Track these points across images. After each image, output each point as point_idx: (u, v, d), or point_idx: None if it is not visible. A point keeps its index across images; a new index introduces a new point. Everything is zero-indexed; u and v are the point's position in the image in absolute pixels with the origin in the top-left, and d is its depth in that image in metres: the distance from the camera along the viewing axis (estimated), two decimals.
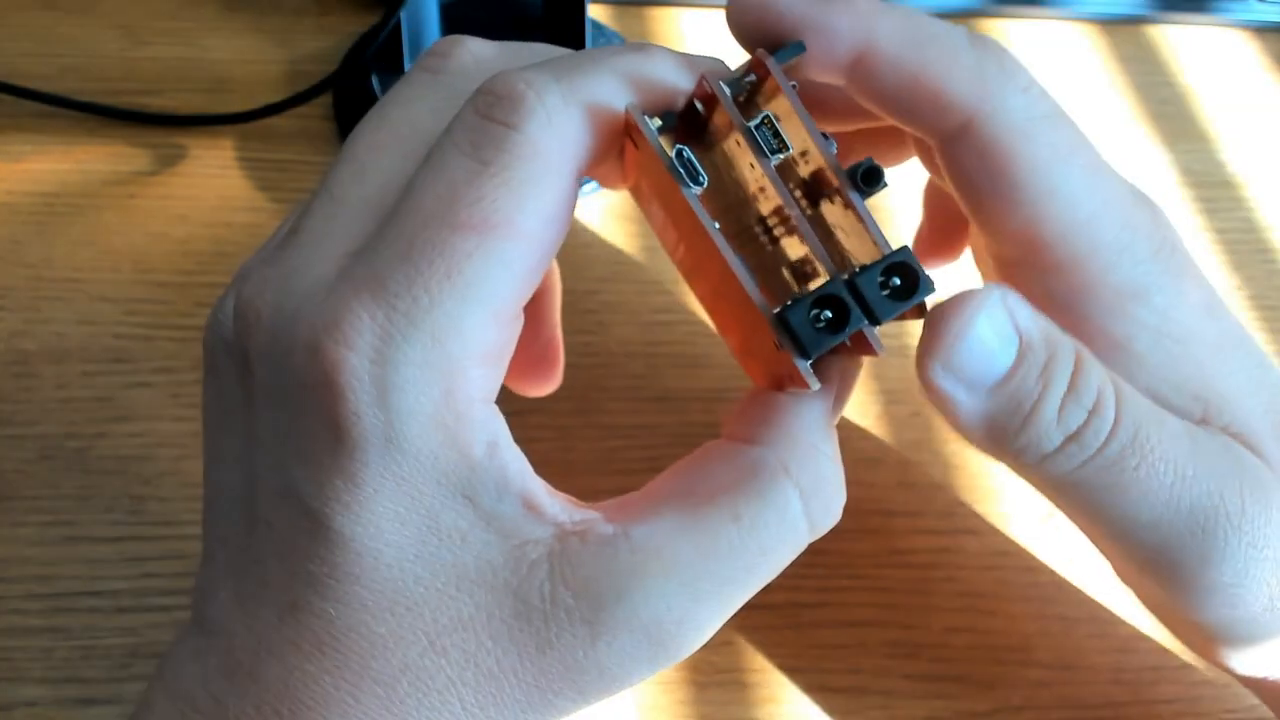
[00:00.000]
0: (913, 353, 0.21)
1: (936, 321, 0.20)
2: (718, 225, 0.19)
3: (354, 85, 0.38)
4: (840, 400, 0.22)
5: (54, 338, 0.32)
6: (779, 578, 0.29)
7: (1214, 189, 0.41)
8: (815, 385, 0.20)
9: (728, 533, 0.20)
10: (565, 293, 0.35)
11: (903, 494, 0.31)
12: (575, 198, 0.20)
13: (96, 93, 0.38)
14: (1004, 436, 0.21)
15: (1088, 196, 0.22)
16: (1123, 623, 0.29)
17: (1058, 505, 0.23)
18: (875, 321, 0.19)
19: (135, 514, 0.29)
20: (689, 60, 0.22)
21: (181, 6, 0.42)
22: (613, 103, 0.20)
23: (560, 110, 0.19)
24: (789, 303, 0.19)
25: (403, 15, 0.37)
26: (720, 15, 0.46)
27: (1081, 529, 0.24)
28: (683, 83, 0.21)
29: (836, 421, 0.22)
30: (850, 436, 0.32)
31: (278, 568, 0.19)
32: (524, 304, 0.20)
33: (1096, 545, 0.24)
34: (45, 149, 0.37)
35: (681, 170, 0.19)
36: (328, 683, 0.19)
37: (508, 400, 0.28)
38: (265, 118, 0.38)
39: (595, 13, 0.44)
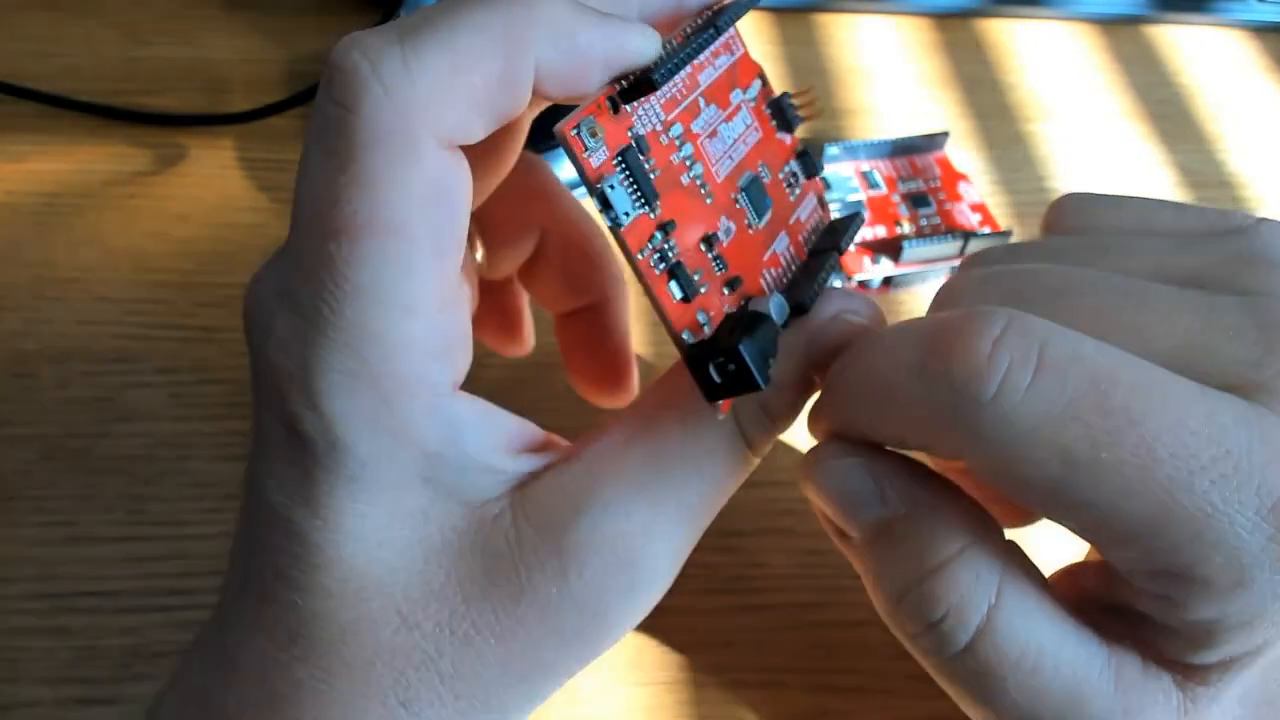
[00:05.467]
0: None
1: (803, 466, 0.21)
2: (645, 255, 0.19)
3: None
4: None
5: (54, 338, 0.32)
6: (779, 578, 0.29)
7: (1214, 189, 0.41)
8: (719, 415, 0.20)
9: (674, 435, 0.20)
10: None
11: None
12: (451, 169, 0.18)
13: (96, 93, 0.38)
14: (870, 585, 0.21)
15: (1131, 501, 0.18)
16: None
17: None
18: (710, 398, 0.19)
19: (136, 514, 0.29)
20: (592, 13, 0.19)
21: (181, 6, 0.42)
22: (479, 54, 0.18)
23: (400, 78, 0.17)
24: (704, 340, 0.19)
25: (402, 15, 0.37)
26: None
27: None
28: (583, 32, 0.18)
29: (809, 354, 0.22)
30: None
31: (256, 562, 0.19)
32: (445, 288, 0.19)
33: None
34: (45, 149, 0.37)
35: (599, 203, 0.19)
36: (300, 671, 0.19)
37: (511, 400, 0.28)
38: (265, 118, 0.38)
39: None
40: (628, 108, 0.20)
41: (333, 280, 0.18)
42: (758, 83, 0.24)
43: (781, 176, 0.23)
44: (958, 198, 0.38)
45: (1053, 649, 0.19)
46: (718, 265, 0.21)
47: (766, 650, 0.28)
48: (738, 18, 0.22)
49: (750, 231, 0.22)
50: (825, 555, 0.30)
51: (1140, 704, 0.19)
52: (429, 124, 0.17)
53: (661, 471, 0.20)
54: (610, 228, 0.19)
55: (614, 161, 0.19)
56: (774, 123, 0.24)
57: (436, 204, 0.18)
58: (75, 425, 0.30)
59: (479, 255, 0.26)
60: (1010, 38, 0.46)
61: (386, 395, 0.18)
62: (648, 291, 0.19)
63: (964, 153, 0.41)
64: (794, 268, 0.23)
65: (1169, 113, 0.43)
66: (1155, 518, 0.17)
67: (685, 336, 0.19)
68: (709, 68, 0.23)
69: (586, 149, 0.18)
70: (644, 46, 0.19)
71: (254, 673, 0.19)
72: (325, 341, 0.18)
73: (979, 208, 0.38)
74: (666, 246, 0.20)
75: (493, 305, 0.28)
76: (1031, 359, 0.18)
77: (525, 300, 0.28)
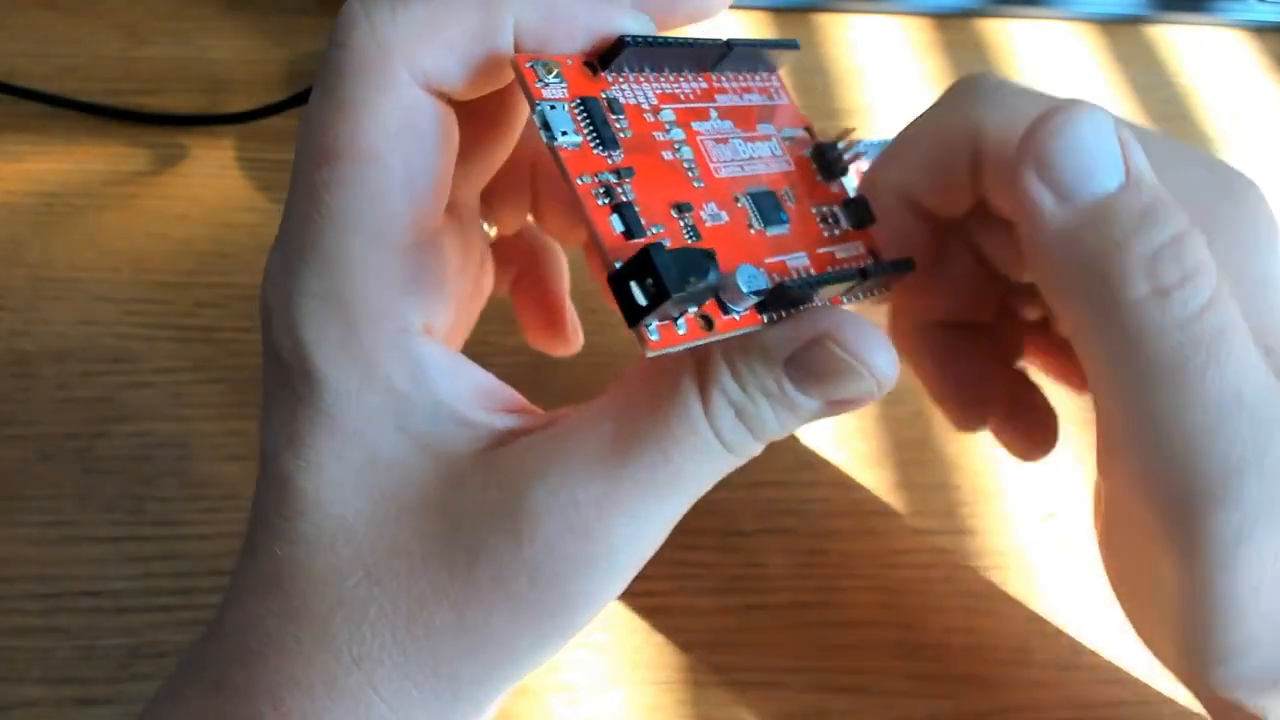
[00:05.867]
0: None
1: (1039, 119, 0.20)
2: (586, 180, 0.19)
3: None
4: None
5: (54, 338, 0.32)
6: (779, 578, 0.29)
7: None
8: (647, 354, 0.18)
9: (643, 413, 0.19)
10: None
11: (903, 494, 0.31)
12: (427, 108, 0.20)
13: (96, 93, 0.38)
14: (1090, 261, 0.19)
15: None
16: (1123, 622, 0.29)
17: (1096, 389, 0.21)
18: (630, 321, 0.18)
19: (135, 514, 0.29)
20: None
21: (181, 6, 0.42)
22: (460, 5, 0.19)
23: (385, 20, 0.19)
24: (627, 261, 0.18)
25: None
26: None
27: (1105, 440, 0.21)
28: (562, 5, 0.19)
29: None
30: (850, 437, 0.32)
31: (252, 513, 0.20)
32: (418, 225, 0.20)
33: (1111, 454, 0.22)
34: (45, 149, 0.37)
35: (538, 123, 0.19)
36: (272, 624, 0.19)
37: None
38: (265, 118, 0.38)
39: None
40: (607, 75, 0.20)
41: (312, 205, 0.19)
42: (801, 131, 0.23)
43: (815, 212, 0.22)
44: None
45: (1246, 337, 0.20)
46: (689, 233, 0.20)
47: (766, 650, 0.28)
48: (763, 47, 0.22)
49: (751, 231, 0.21)
50: (825, 555, 0.30)
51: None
52: (407, 61, 0.19)
53: (624, 447, 0.19)
54: (547, 145, 0.19)
55: (572, 103, 0.19)
56: (815, 166, 0.23)
57: (410, 136, 0.19)
58: (75, 425, 0.30)
59: (491, 231, 0.26)
60: (1010, 38, 0.46)
61: (353, 323, 0.19)
62: (584, 219, 0.18)
63: None
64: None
65: (1169, 113, 0.43)
66: None
67: (617, 264, 0.18)
68: (731, 93, 0.22)
69: (538, 79, 0.19)
70: (634, 28, 0.20)
71: (236, 629, 0.19)
72: (303, 266, 0.19)
73: None
74: (619, 188, 0.19)
75: (533, 301, 0.28)
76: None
77: (565, 293, 0.28)
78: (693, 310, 0.18)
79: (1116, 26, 0.47)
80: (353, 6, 0.19)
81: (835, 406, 0.20)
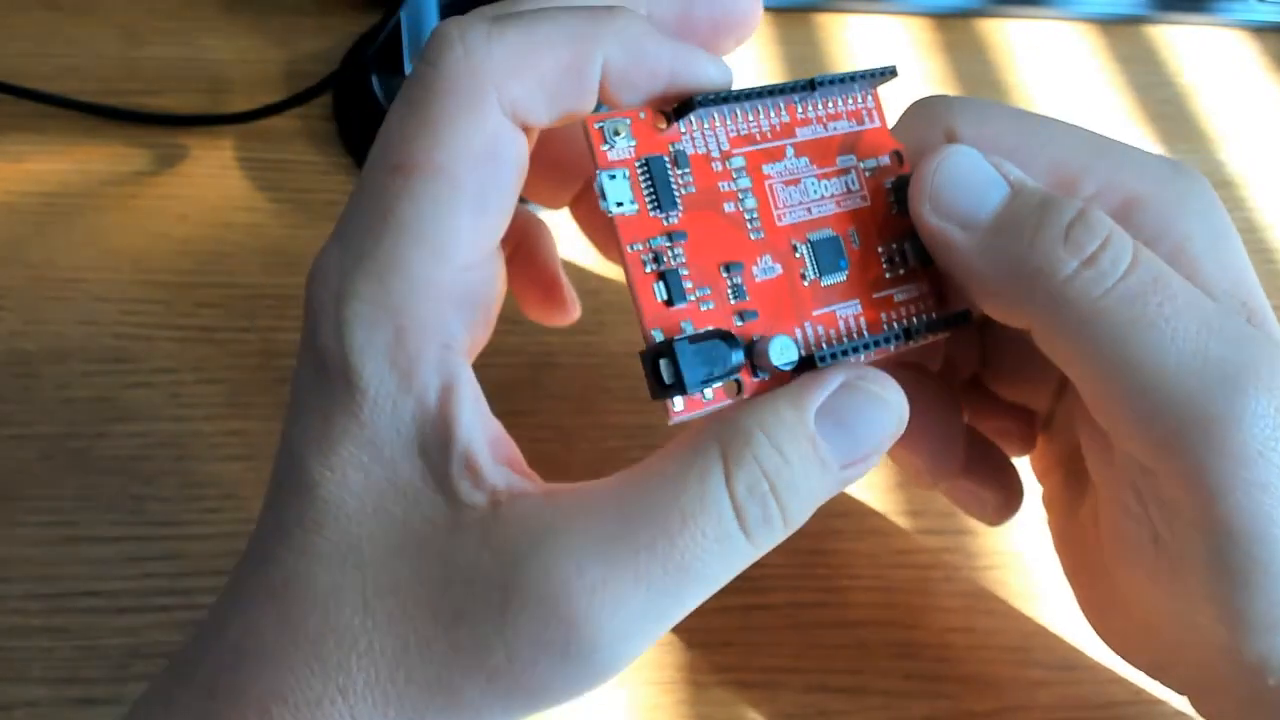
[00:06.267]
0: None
1: (917, 170, 0.21)
2: (637, 247, 0.20)
3: (354, 85, 0.38)
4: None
5: (54, 338, 0.32)
6: (779, 578, 0.29)
7: (1214, 189, 0.41)
8: (670, 422, 0.20)
9: (651, 492, 0.19)
10: None
11: (903, 494, 0.31)
12: (509, 137, 0.20)
13: (96, 93, 0.38)
14: (1013, 264, 0.21)
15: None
16: None
17: (1078, 370, 0.21)
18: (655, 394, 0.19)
19: (135, 514, 0.29)
20: (666, 35, 0.21)
21: (181, 6, 0.42)
22: (553, 41, 0.20)
23: (480, 45, 0.19)
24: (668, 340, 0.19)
25: (403, 15, 0.37)
26: None
27: (1102, 405, 0.21)
28: (651, 45, 0.20)
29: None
30: None
31: (266, 517, 0.20)
32: (479, 247, 0.20)
33: (1115, 431, 0.21)
34: (45, 149, 0.37)
35: (597, 190, 0.20)
36: (269, 635, 0.19)
37: (511, 400, 0.28)
38: (265, 118, 0.38)
39: None
40: (680, 126, 0.21)
41: (378, 213, 0.19)
42: (886, 158, 0.23)
43: (882, 250, 0.22)
44: None
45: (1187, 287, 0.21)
46: (735, 294, 0.20)
47: (766, 650, 0.28)
48: (851, 80, 0.22)
49: (805, 283, 0.21)
50: (825, 555, 0.30)
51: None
52: (497, 88, 0.19)
53: (627, 529, 0.18)
54: (604, 211, 0.20)
55: (636, 164, 0.20)
56: (893, 199, 0.23)
57: (488, 161, 0.20)
58: (75, 425, 0.30)
59: None
60: (1010, 38, 0.46)
61: (401, 332, 0.19)
62: (629, 284, 0.19)
63: None
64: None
65: (1169, 113, 0.43)
66: None
67: (654, 334, 0.19)
68: (815, 124, 0.22)
69: (605, 141, 0.20)
70: (715, 74, 0.21)
71: (234, 634, 0.19)
72: (359, 271, 0.19)
73: None
74: (669, 252, 0.20)
75: (528, 277, 0.28)
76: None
77: (558, 265, 0.28)
78: (720, 383, 0.20)
79: (1116, 26, 0.47)
80: (448, 27, 0.20)
81: (852, 469, 0.20)
